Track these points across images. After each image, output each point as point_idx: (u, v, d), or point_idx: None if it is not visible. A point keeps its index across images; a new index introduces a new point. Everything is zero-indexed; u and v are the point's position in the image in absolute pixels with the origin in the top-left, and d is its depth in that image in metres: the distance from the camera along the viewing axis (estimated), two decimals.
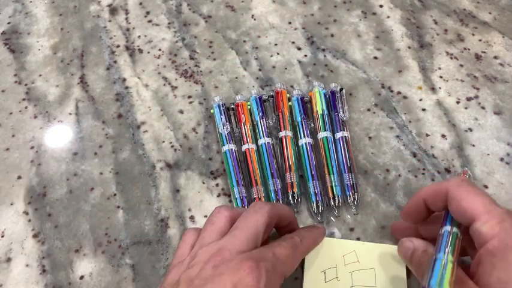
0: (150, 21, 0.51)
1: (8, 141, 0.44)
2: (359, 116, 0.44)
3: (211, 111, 0.44)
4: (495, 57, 0.47)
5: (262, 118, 0.42)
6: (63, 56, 0.49)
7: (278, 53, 0.48)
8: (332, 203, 0.38)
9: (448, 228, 0.28)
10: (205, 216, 0.39)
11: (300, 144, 0.41)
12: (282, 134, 0.41)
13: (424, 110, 0.44)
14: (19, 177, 0.42)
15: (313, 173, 0.39)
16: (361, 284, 0.34)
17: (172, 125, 0.44)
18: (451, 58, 0.47)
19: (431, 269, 0.26)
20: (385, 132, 0.43)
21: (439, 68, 0.46)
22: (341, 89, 0.44)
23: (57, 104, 0.46)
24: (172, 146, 0.43)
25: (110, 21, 0.51)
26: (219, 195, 0.40)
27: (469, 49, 0.48)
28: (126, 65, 0.48)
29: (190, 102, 0.45)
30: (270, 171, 0.40)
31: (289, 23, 0.50)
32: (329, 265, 0.34)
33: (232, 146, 0.41)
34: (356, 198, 0.39)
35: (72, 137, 0.44)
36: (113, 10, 0.52)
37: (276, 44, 0.49)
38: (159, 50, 0.49)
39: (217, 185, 0.41)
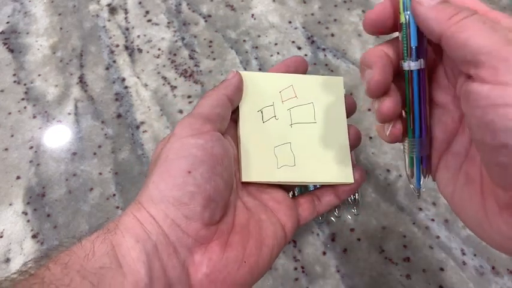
0: (149, 20, 0.51)
1: (6, 141, 0.44)
2: (359, 116, 0.44)
3: None
4: None
5: None
6: (62, 55, 0.49)
7: (278, 53, 0.48)
8: None
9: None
10: None
11: None
12: None
13: None
14: (18, 178, 0.42)
15: None
16: (300, 120, 0.31)
17: (172, 125, 0.44)
18: None
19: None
20: None
21: None
22: None
23: (56, 103, 0.46)
24: None
25: (109, 20, 0.51)
26: None
27: None
28: (126, 65, 0.48)
29: (190, 102, 0.45)
30: None
31: (290, 22, 0.50)
32: (265, 103, 0.31)
33: None
34: (357, 198, 0.39)
35: (71, 137, 0.44)
36: (112, 9, 0.52)
37: (276, 44, 0.49)
38: (159, 49, 0.49)
39: None
